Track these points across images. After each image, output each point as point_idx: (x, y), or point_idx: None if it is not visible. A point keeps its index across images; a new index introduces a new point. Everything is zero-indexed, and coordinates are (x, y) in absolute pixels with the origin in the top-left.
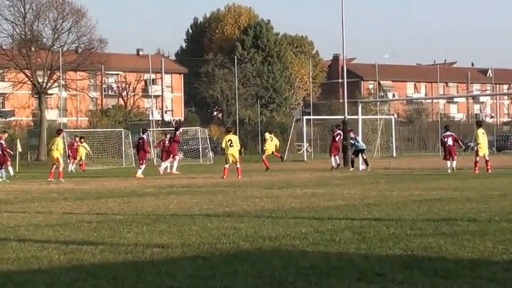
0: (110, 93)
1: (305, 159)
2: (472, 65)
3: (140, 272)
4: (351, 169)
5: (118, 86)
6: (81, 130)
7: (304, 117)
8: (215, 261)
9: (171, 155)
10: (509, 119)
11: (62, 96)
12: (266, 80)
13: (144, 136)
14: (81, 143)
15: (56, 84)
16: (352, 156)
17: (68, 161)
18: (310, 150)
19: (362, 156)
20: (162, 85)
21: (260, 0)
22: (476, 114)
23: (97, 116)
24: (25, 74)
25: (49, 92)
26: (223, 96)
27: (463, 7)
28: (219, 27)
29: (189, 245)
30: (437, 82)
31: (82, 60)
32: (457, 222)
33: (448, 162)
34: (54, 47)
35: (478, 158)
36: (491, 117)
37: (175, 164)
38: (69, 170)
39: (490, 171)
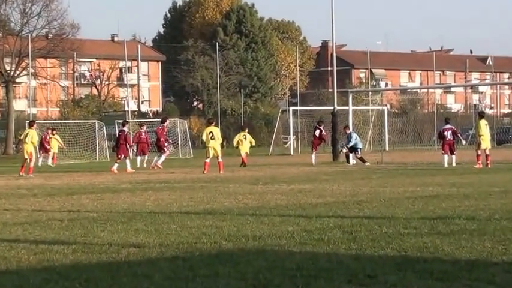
0: (82, 82)
1: (291, 153)
2: (471, 52)
3: (115, 274)
4: (349, 164)
5: (91, 75)
6: (52, 122)
7: (291, 108)
8: (195, 262)
9: (160, 149)
10: (510, 110)
11: (31, 85)
12: (250, 68)
13: (125, 128)
14: (53, 135)
15: (24, 72)
16: (346, 152)
17: (39, 155)
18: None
19: (356, 155)
20: (138, 73)
21: None
22: (475, 105)
23: (69, 107)
24: None
25: (17, 80)
26: (204, 86)
27: None
28: (200, 11)
29: (167, 244)
30: (433, 70)
31: (53, 47)
32: (454, 220)
33: (446, 156)
34: (23, 32)
35: (479, 152)
36: (491, 108)
37: (163, 157)
38: (39, 164)
39: (489, 166)
